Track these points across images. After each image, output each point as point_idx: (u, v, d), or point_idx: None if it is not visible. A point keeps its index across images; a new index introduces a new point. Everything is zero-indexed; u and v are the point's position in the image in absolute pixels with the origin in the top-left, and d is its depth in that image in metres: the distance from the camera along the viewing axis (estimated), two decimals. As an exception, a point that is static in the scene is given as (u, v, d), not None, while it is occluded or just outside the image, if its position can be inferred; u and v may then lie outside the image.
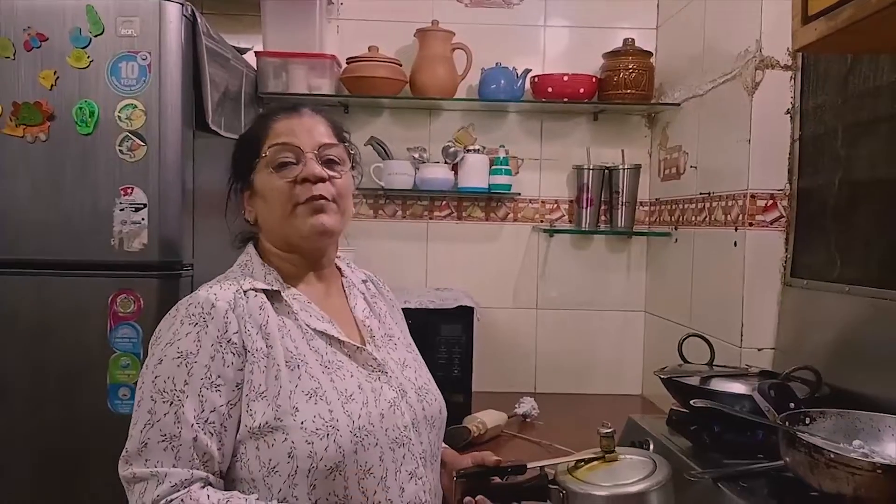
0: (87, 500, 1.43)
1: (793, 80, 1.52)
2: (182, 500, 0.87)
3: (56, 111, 1.43)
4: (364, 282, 1.20)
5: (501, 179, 2.10)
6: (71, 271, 1.43)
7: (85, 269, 1.43)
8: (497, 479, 1.07)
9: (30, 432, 1.44)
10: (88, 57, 1.43)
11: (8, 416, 1.44)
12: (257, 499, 0.90)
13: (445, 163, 2.11)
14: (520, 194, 2.18)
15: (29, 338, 1.44)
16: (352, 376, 1.00)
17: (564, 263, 2.20)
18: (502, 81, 2.07)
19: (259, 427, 0.91)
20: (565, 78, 2.05)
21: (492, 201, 2.20)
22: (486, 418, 1.67)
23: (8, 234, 1.44)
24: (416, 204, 2.21)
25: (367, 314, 1.12)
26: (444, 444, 1.22)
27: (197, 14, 1.51)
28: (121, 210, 1.42)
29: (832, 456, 0.86)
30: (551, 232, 2.18)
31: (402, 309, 1.27)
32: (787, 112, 1.53)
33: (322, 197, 1.02)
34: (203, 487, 0.89)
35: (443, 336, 1.78)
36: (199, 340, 0.93)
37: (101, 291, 1.43)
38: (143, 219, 1.43)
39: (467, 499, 1.02)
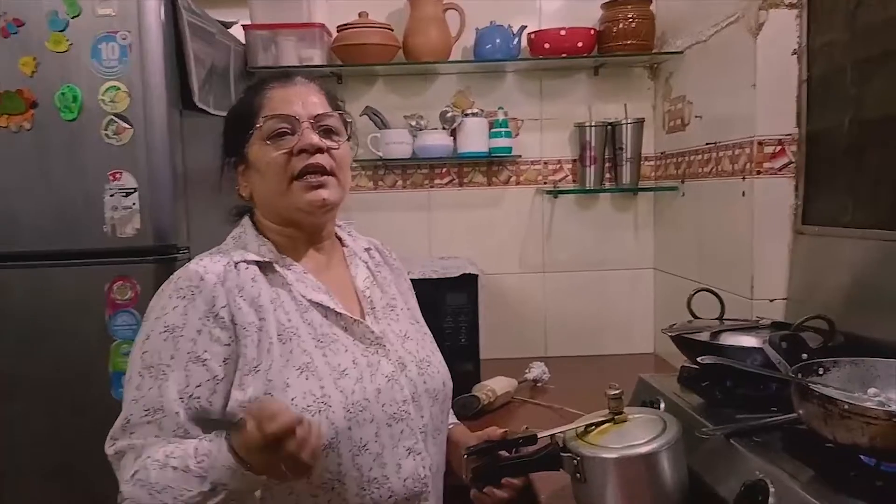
0: (98, 491, 1.43)
1: (798, 19, 1.45)
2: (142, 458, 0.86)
3: (38, 98, 1.41)
4: (367, 250, 1.16)
5: (502, 142, 2.05)
6: (66, 261, 1.42)
7: (80, 258, 1.42)
8: (506, 453, 1.05)
9: (36, 426, 1.45)
10: (67, 40, 1.40)
11: (14, 412, 1.45)
12: (210, 440, 0.86)
13: (444, 129, 2.06)
14: (521, 156, 2.12)
15: (29, 331, 1.43)
16: (346, 351, 0.98)
17: (570, 224, 2.16)
18: (498, 40, 2.00)
19: (249, 401, 0.90)
20: (563, 32, 1.97)
21: (493, 165, 2.16)
22: (495, 385, 1.65)
23: (0, 227, 1.42)
24: (417, 173, 2.16)
25: (369, 284, 1.09)
26: (455, 420, 1.20)
27: (176, -12, 1.47)
28: (111, 196, 1.40)
29: (846, 406, 0.83)
30: (555, 193, 2.13)
31: (406, 281, 1.24)
32: (794, 52, 1.46)
33: (321, 168, 0.98)
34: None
35: (448, 305, 1.75)
36: (186, 314, 0.91)
37: (98, 280, 1.42)
38: (133, 203, 1.41)
39: (473, 492, 1.02)
